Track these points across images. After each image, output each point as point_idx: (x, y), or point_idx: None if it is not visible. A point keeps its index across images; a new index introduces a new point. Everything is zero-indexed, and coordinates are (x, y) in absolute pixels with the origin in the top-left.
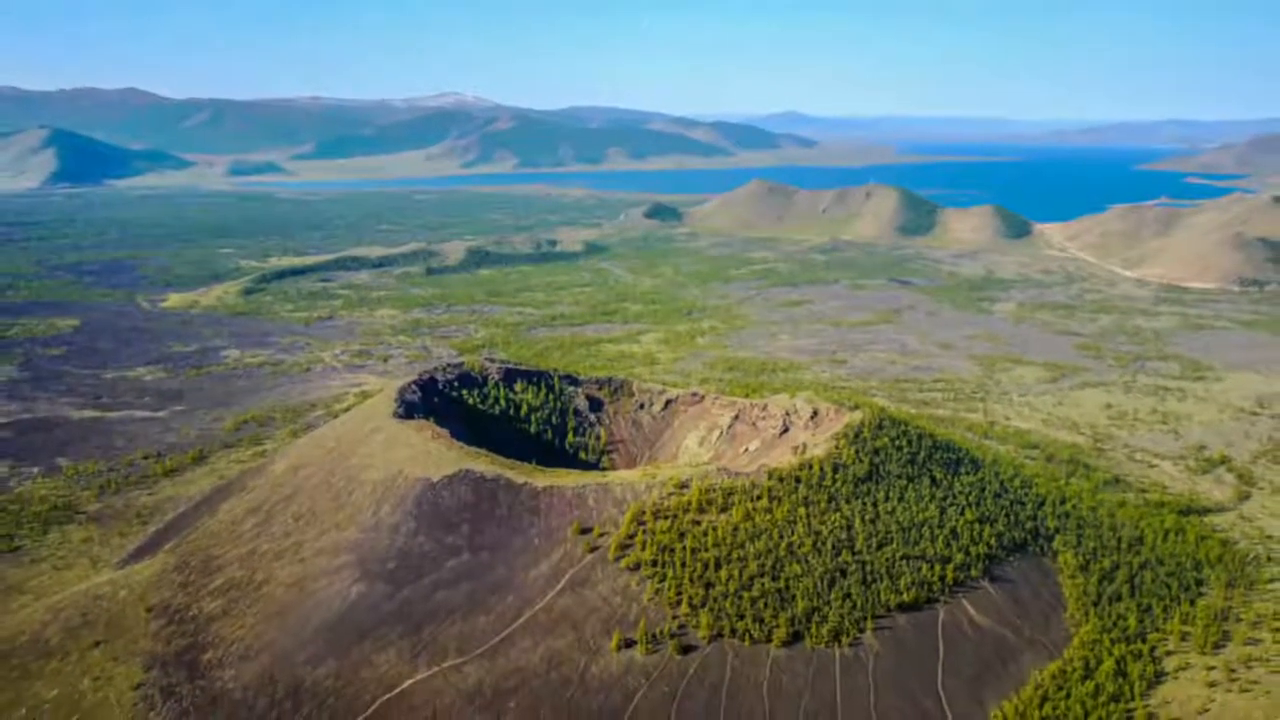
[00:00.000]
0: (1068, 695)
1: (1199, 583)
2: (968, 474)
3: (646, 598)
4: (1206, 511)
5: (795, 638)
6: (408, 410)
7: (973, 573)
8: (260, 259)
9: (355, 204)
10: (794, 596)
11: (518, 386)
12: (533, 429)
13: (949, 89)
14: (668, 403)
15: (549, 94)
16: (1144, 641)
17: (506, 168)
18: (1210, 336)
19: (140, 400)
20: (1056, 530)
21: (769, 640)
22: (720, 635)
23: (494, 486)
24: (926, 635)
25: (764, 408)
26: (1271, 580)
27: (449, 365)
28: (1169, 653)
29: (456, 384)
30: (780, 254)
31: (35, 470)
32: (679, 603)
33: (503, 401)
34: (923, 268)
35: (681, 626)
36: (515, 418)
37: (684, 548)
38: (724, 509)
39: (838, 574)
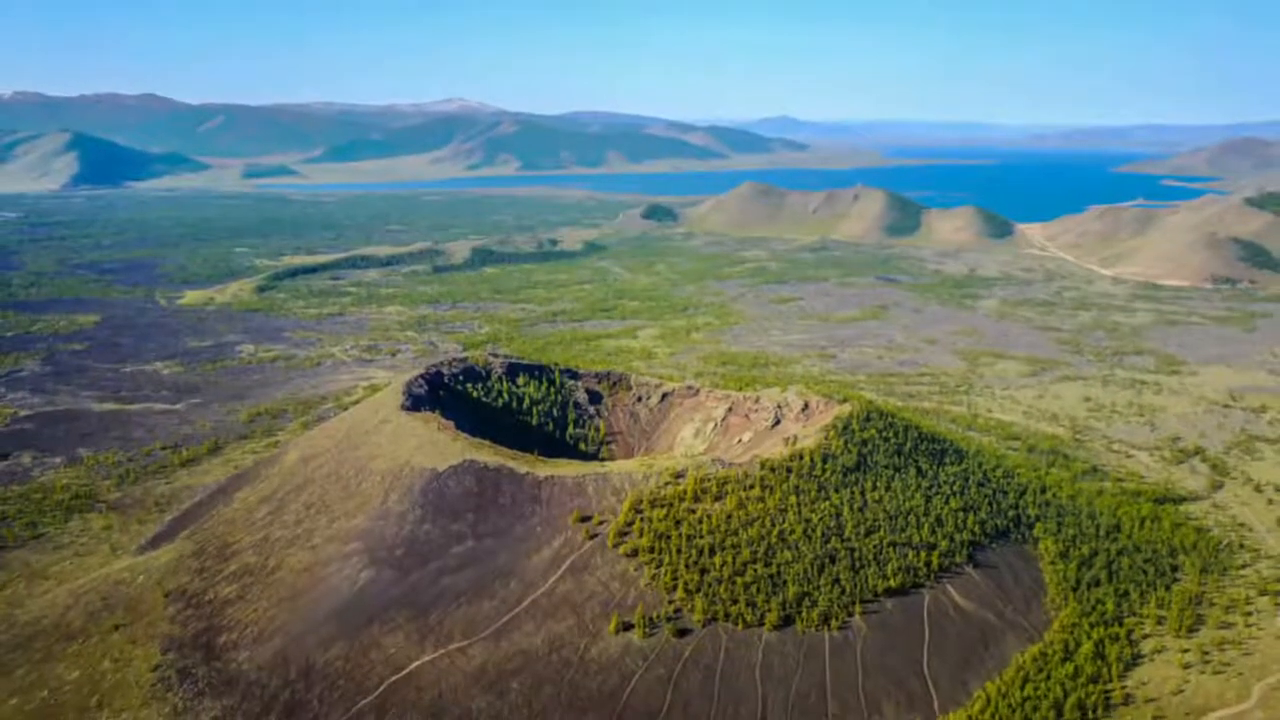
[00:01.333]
0: (1048, 677)
1: (1174, 568)
2: (952, 464)
3: (644, 583)
4: (1181, 500)
5: (786, 621)
6: (415, 403)
7: (957, 559)
8: (273, 258)
9: (365, 205)
10: (785, 582)
11: (520, 380)
12: (534, 421)
13: (934, 95)
14: (664, 396)
15: (550, 99)
16: (1121, 625)
17: (510, 170)
18: (1184, 332)
19: (158, 393)
20: (1037, 518)
21: (761, 624)
22: (714, 619)
23: (497, 476)
24: (913, 619)
25: (756, 400)
26: (1243, 566)
27: (454, 360)
28: (1145, 636)
29: (461, 378)
30: (772, 253)
31: (57, 460)
32: (675, 588)
33: (506, 395)
34: (908, 266)
35: (677, 610)
36: (518, 410)
37: (680, 535)
38: (718, 498)
39: (827, 560)
